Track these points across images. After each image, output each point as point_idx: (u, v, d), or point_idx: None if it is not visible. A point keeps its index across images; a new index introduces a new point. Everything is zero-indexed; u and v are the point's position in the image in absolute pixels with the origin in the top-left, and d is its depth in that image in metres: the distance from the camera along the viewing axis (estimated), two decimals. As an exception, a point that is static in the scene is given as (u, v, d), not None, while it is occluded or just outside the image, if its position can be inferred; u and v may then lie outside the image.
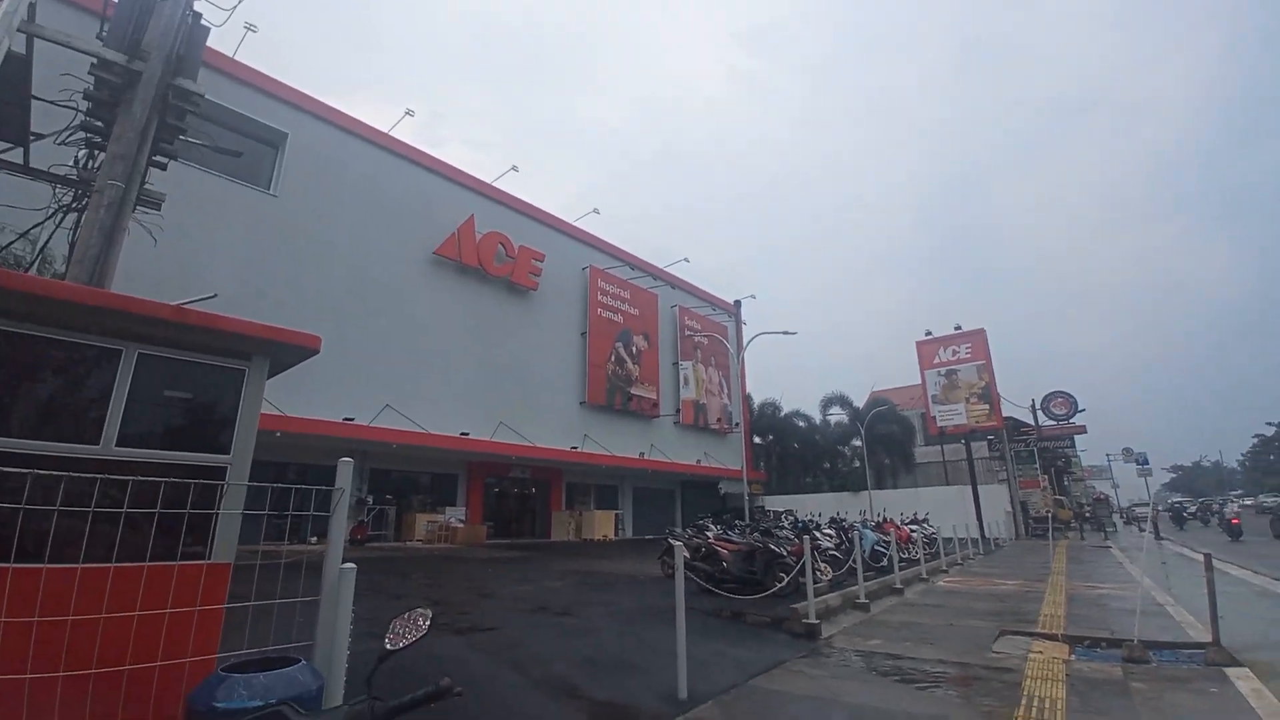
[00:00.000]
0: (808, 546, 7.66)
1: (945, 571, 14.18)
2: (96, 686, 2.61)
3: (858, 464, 36.22)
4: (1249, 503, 45.23)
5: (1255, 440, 68.55)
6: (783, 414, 40.90)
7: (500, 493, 26.89)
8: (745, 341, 35.91)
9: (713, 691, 4.81)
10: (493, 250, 24.58)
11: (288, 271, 18.61)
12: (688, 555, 10.00)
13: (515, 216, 26.51)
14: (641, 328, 31.21)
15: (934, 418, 32.73)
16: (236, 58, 18.49)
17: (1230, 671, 5.33)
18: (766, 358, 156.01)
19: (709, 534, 11.39)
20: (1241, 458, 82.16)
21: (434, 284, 22.78)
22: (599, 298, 29.11)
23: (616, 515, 29.13)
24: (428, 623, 1.65)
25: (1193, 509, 38.19)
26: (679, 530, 12.70)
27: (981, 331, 32.74)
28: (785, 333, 21.92)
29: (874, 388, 41.12)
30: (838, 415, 40.18)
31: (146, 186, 6.06)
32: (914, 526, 16.69)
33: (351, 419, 18.29)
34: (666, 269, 34.75)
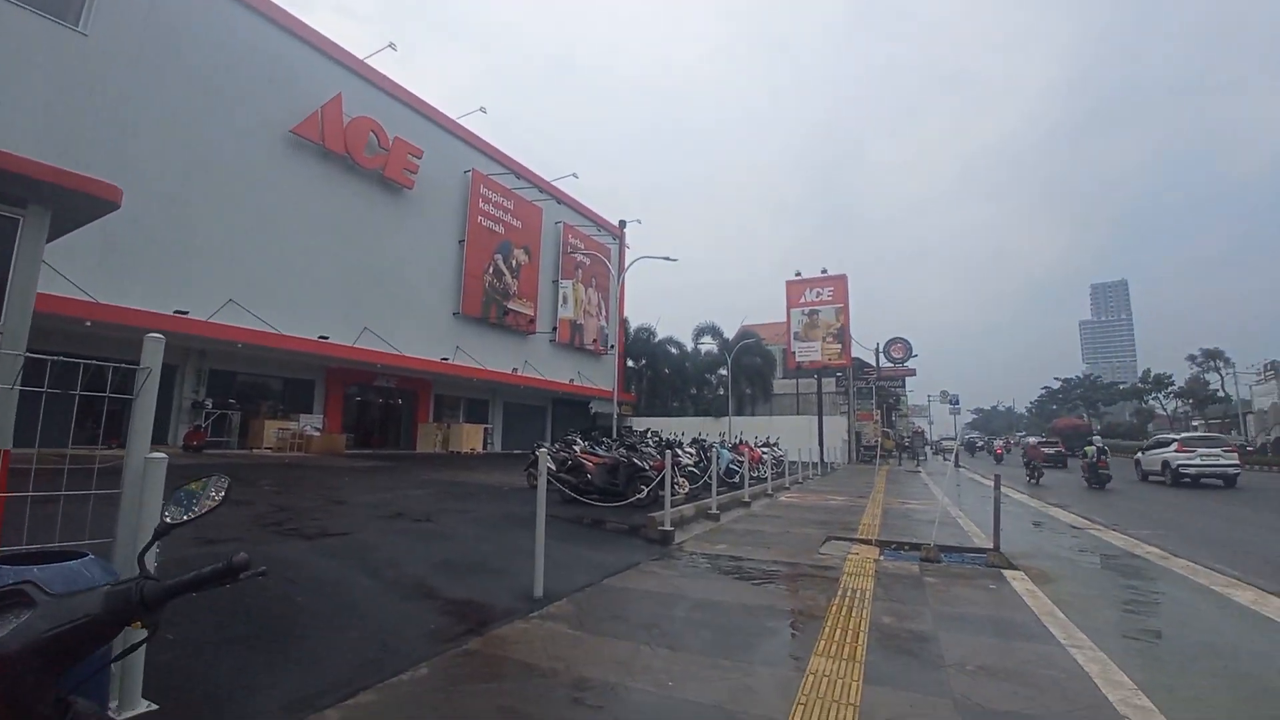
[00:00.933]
0: (668, 462, 8.04)
1: (788, 489, 15.67)
2: None
3: (722, 391, 38.44)
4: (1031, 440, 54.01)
5: (1042, 391, 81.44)
6: (657, 340, 42.03)
7: (363, 402, 25.55)
8: (627, 264, 35.92)
9: (568, 590, 5.01)
10: (363, 138, 22.14)
11: (106, 133, 15.56)
12: (554, 467, 10.17)
13: (391, 103, 23.91)
14: (523, 241, 30.11)
15: (794, 353, 35.24)
16: None
17: (1007, 573, 6.37)
18: (646, 284, 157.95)
19: (576, 448, 11.63)
20: (1030, 405, 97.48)
21: (291, 168, 20.23)
22: (480, 205, 27.51)
23: (486, 429, 28.90)
24: (222, 493, 1.33)
25: (980, 443, 45.83)
26: (547, 445, 12.86)
27: (844, 277, 35.23)
28: (666, 259, 22.19)
29: (744, 321, 43.30)
30: (708, 344, 42.05)
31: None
32: (765, 449, 18.14)
33: (185, 312, 16.21)
34: (553, 183, 33.43)
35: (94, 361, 2.64)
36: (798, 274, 36.23)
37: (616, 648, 3.81)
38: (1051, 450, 30.56)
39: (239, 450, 19.18)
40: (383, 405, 26.60)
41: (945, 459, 37.90)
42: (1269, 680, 3.66)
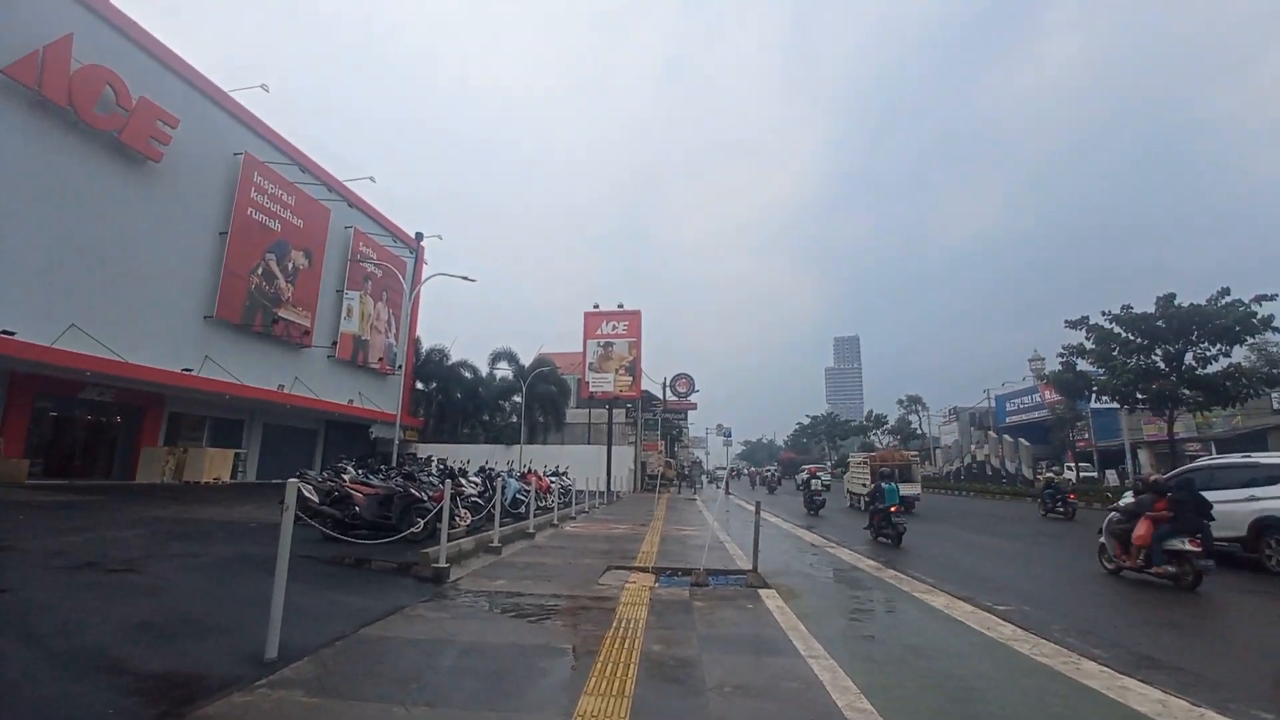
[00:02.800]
0: (449, 491, 7.54)
1: (574, 518, 15.73)
2: None
3: (515, 419, 37.78)
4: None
5: (796, 426, 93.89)
6: (450, 362, 40.13)
7: (61, 419, 20.47)
8: (423, 280, 33.93)
9: (312, 646, 4.32)
10: (94, 90, 18.10)
11: None
12: (315, 499, 8.99)
13: (140, 55, 19.94)
14: (304, 243, 26.86)
15: (588, 383, 36.01)
16: None
17: (762, 592, 6.99)
18: (444, 304, 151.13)
19: (345, 477, 10.42)
20: (787, 438, 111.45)
21: (-18, 112, 15.76)
22: (253, 195, 23.98)
23: (237, 454, 24.80)
24: None
25: (747, 472, 52.34)
26: (313, 473, 11.31)
27: (638, 313, 37.13)
28: (465, 278, 21.27)
29: (541, 349, 43.33)
30: (504, 370, 41.21)
31: None
32: (554, 478, 18.11)
33: None
34: (347, 184, 30.53)
35: None
36: (596, 306, 37.34)
37: (364, 713, 3.32)
38: (767, 473, 43.19)
39: None
40: (91, 424, 21.52)
41: (718, 487, 41.45)
42: (963, 678, 4.36)
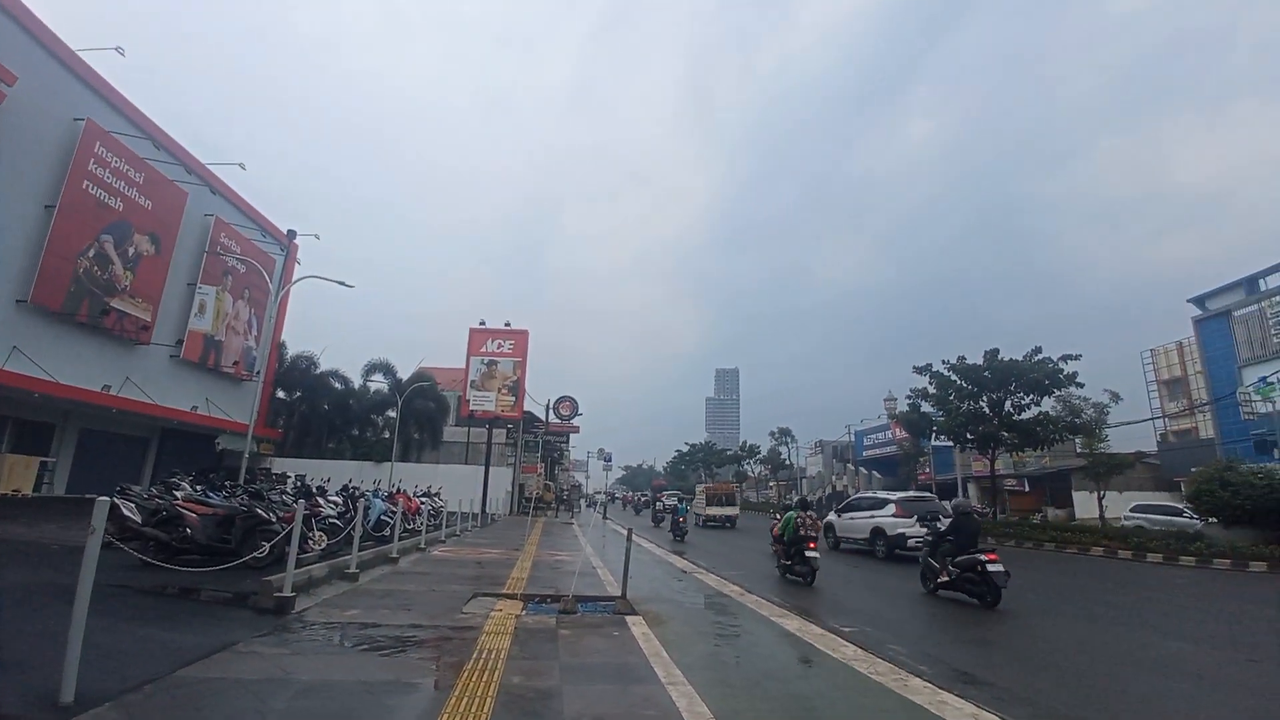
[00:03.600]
0: (300, 512, 6.98)
1: (443, 542, 15.04)
2: None
3: (388, 435, 35.68)
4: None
5: (675, 453, 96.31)
6: (319, 371, 37.28)
7: None
8: (293, 280, 31.46)
9: (117, 689, 3.80)
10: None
11: None
12: (137, 519, 7.97)
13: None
14: (151, 226, 24.00)
15: (469, 401, 34.84)
16: None
17: (629, 619, 7.03)
18: (319, 310, 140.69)
19: (178, 494, 9.31)
20: (666, 465, 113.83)
21: None
22: (92, 167, 21.13)
23: (43, 464, 21.35)
24: None
25: (634, 497, 52.68)
26: (137, 489, 9.92)
27: (525, 333, 36.63)
28: (342, 283, 19.95)
29: (422, 362, 41.44)
30: (379, 383, 38.90)
31: None
32: (425, 499, 17.27)
33: None
34: (211, 167, 27.77)
35: None
36: (482, 322, 36.40)
37: (175, 762, 2.98)
38: (635, 498, 49.91)
39: None
40: None
41: (596, 511, 41.41)
42: (807, 698, 4.64)
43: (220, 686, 4.14)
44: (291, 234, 33.89)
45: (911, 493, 20.32)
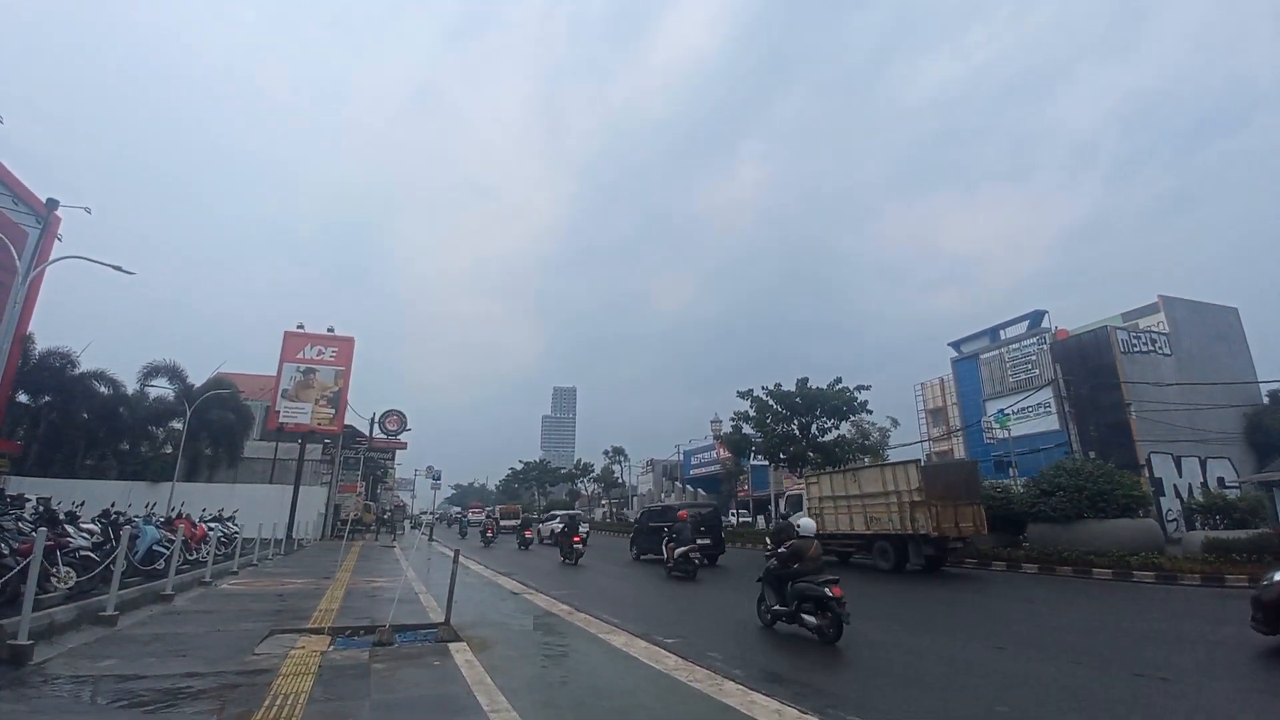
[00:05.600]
0: (41, 543, 5.74)
1: (235, 573, 13.22)
2: None
3: (170, 450, 30.62)
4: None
5: (509, 471, 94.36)
6: (78, 371, 30.97)
7: None
8: (50, 259, 25.97)
9: None
10: None
11: None
12: None
13: None
14: None
15: (279, 412, 31.14)
16: None
17: (453, 646, 6.67)
18: (81, 299, 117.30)
19: None
20: (498, 483, 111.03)
21: None
22: None
23: None
24: None
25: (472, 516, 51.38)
26: None
27: (351, 340, 33.72)
28: (117, 268, 16.63)
29: (221, 367, 36.24)
30: (162, 389, 33.34)
31: None
32: (214, 524, 15.07)
33: None
34: (-74, 111, 22.10)
35: None
36: (300, 326, 32.83)
37: None
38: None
39: None
40: None
41: (422, 532, 38.97)
42: (630, 711, 4.73)
43: (-96, 771, 3.25)
44: (52, 203, 27.96)
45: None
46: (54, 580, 7.91)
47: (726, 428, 36.95)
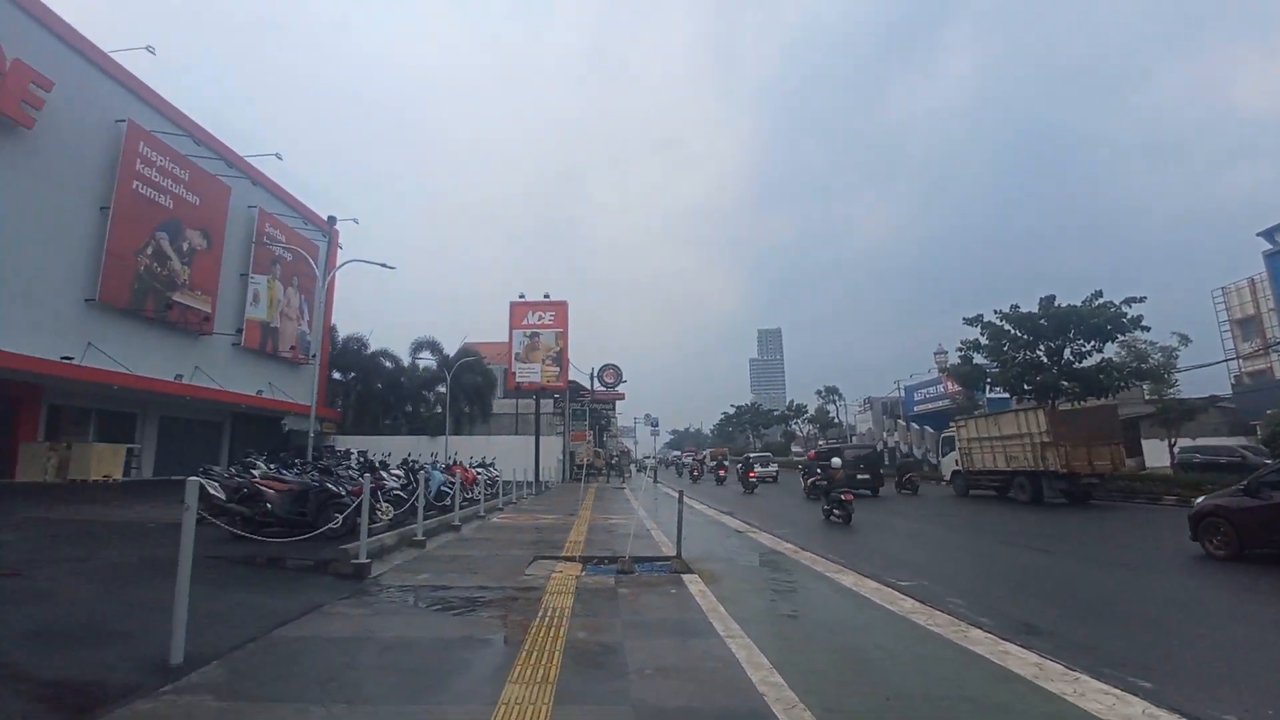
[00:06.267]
0: (368, 485, 7.34)
1: (501, 509, 15.60)
2: None
3: (440, 410, 36.80)
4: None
5: (722, 416, 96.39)
6: (369, 351, 38.54)
7: (-93, 411, 18.11)
8: (338, 266, 32.36)
9: (221, 649, 4.16)
10: (-54, 47, 16.02)
11: None
12: (222, 496, 8.53)
13: (10, 10, 17.82)
14: (202, 222, 24.98)
15: (514, 373, 35.52)
16: None
17: (686, 577, 7.21)
18: (362, 292, 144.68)
19: (255, 473, 9.91)
20: (713, 427, 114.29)
21: None
22: (139, 167, 22.02)
23: (130, 450, 22.93)
24: None
25: (686, 459, 53.50)
26: (218, 469, 10.68)
27: (565, 303, 36.87)
28: (384, 265, 20.45)
29: (466, 338, 42.30)
30: (427, 360, 40.03)
31: None
32: (480, 469, 17.84)
33: None
34: (250, 160, 28.58)
35: None
36: (522, 296, 36.77)
37: (278, 715, 3.26)
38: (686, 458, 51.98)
39: None
40: (-50, 417, 19.23)
41: (646, 475, 42.04)
42: (868, 651, 4.68)
43: (313, 644, 4.48)
44: (332, 220, 34.74)
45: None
46: (378, 514, 10.10)
47: (953, 359, 33.47)
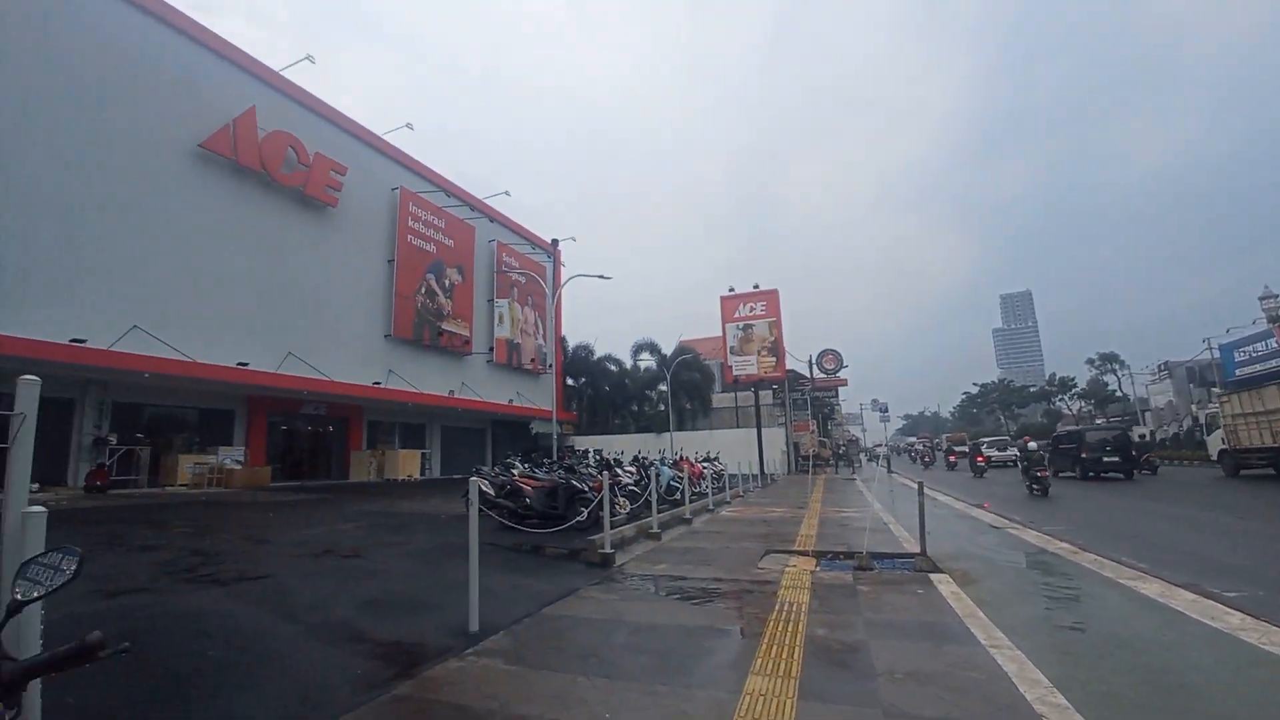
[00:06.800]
0: (607, 482, 8.00)
1: (729, 503, 15.86)
2: None
3: (662, 407, 38.67)
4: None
5: (964, 396, 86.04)
6: (595, 357, 41.99)
7: (290, 431, 24.33)
8: (563, 282, 35.82)
9: (505, 622, 4.88)
10: (280, 153, 21.26)
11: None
12: (491, 492, 9.95)
13: (311, 118, 23.11)
14: (456, 260, 29.57)
15: (730, 367, 35.88)
16: None
17: (934, 576, 6.61)
18: (582, 301, 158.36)
19: (515, 471, 11.41)
20: (953, 410, 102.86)
21: (200, 185, 19.16)
22: (410, 224, 26.88)
23: (423, 454, 28.02)
24: (75, 565, 1.30)
25: (919, 446, 48.58)
26: (486, 469, 12.61)
27: (775, 292, 36.22)
28: (601, 276, 22.16)
29: (681, 337, 43.90)
30: (647, 361, 42.33)
31: None
32: (706, 464, 18.33)
33: (82, 341, 15.01)
34: (486, 201, 33.08)
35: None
36: (731, 289, 36.99)
37: (553, 681, 3.73)
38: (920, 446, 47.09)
39: (151, 489, 17.82)
40: (311, 434, 25.38)
41: (879, 465, 39.39)
42: (1183, 674, 3.83)
43: (574, 623, 5.04)
44: (555, 242, 38.57)
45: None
46: (617, 507, 10.95)
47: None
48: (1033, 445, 17.27)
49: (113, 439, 17.34)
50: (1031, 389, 67.74)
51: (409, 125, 27.05)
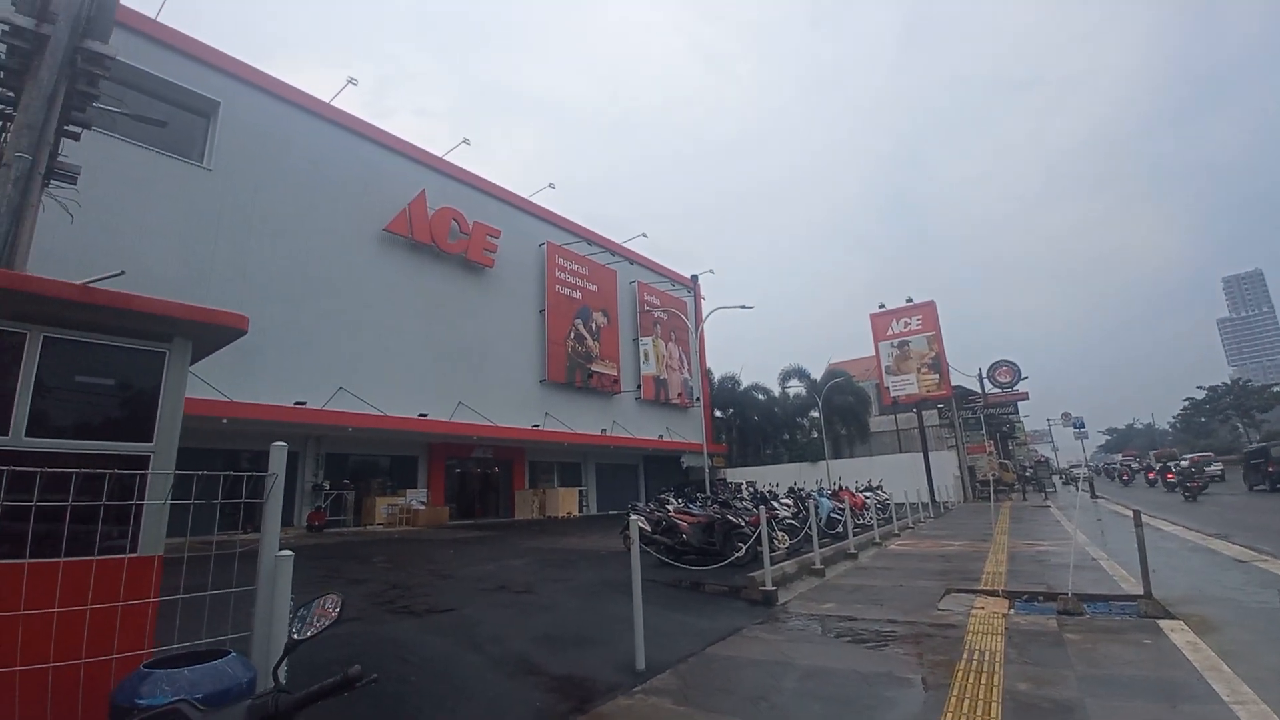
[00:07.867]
0: (764, 516, 7.80)
1: (897, 535, 14.70)
2: (22, 687, 2.49)
3: (816, 435, 37.11)
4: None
5: (1186, 403, 72.25)
6: (742, 387, 41.48)
7: (462, 473, 26.64)
8: (704, 316, 36.09)
9: (670, 661, 4.89)
10: (445, 227, 23.96)
11: (229, 250, 17.73)
12: (648, 529, 10.11)
13: (469, 191, 25.86)
14: (600, 304, 31.04)
15: (887, 388, 33.64)
16: (160, 20, 17.27)
17: (1164, 624, 5.60)
18: (725, 331, 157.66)
19: (669, 507, 11.52)
20: (1173, 420, 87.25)
21: (385, 262, 22.11)
22: (557, 274, 28.79)
23: (580, 492, 29.24)
24: (338, 609, 1.58)
25: (1134, 466, 41.66)
26: (641, 504, 12.88)
27: (931, 304, 33.62)
28: (742, 306, 22.10)
29: (830, 360, 42.11)
30: (796, 387, 41.02)
31: (60, 159, 5.66)
32: (868, 493, 17.21)
33: (304, 403, 17.75)
34: (624, 244, 34.55)
35: (230, 474, 2.97)
36: (881, 305, 34.93)
37: (723, 725, 3.66)
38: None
39: (355, 527, 20.40)
40: (481, 475, 27.57)
41: (1077, 489, 34.39)
42: None
43: (740, 664, 4.92)
44: (694, 278, 39.11)
45: None
46: (775, 542, 10.60)
47: None
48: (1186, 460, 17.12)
49: (326, 485, 20.21)
50: (1276, 388, 55.67)
51: (551, 185, 29.34)
